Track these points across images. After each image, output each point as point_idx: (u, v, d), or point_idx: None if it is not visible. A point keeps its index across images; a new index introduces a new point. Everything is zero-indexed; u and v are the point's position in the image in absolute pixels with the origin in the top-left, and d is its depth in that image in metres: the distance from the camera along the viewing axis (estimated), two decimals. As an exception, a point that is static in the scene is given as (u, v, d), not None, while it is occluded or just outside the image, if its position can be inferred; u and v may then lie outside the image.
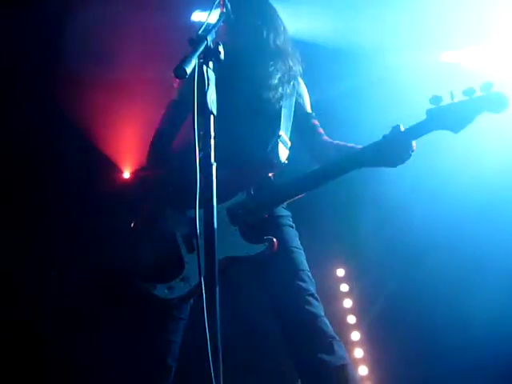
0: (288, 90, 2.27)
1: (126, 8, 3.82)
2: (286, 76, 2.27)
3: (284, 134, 2.23)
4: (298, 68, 2.35)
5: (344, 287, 4.08)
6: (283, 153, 2.21)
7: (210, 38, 1.50)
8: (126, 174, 4.83)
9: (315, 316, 1.98)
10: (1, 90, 3.84)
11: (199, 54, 1.43)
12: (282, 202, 2.13)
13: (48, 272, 3.93)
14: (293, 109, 2.29)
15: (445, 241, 3.78)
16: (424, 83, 3.34)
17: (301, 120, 2.32)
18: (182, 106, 2.29)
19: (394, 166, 1.99)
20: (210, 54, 1.49)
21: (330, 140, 2.28)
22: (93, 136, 4.42)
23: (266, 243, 1.99)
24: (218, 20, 1.77)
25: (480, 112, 1.86)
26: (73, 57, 3.89)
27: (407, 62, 3.75)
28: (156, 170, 2.23)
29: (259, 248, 2.00)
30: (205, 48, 1.47)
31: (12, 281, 3.76)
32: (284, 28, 2.35)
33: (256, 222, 2.05)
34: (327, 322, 2.01)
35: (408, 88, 3.53)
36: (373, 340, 3.87)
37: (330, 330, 2.00)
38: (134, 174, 4.72)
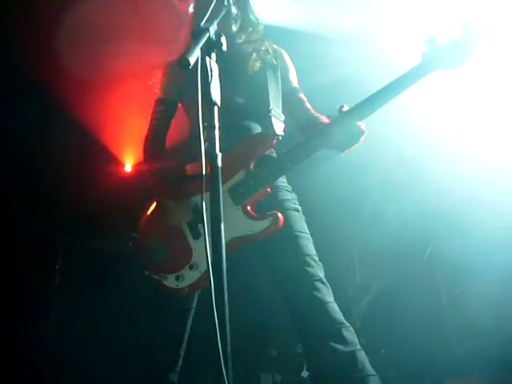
0: (266, 59, 2.27)
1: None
2: (262, 49, 2.29)
3: (275, 107, 2.22)
4: (273, 46, 2.35)
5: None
6: (278, 126, 2.20)
7: (212, 30, 1.52)
8: (128, 168, 4.89)
9: (323, 302, 1.95)
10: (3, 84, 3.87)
11: (202, 46, 1.46)
12: (281, 174, 2.08)
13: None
14: (279, 82, 2.29)
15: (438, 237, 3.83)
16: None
17: (287, 94, 2.30)
18: (169, 103, 2.33)
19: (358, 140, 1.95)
20: (212, 46, 1.51)
21: (318, 115, 2.24)
22: (94, 130, 4.45)
23: (270, 218, 1.96)
24: (220, 12, 1.80)
25: (478, 43, 1.81)
26: (74, 51, 3.90)
27: (399, 49, 3.75)
28: (154, 164, 2.21)
29: (264, 224, 1.96)
30: (207, 40, 1.49)
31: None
32: (262, 31, 2.40)
33: (258, 198, 2.02)
34: (336, 307, 1.97)
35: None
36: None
37: (340, 315, 1.95)
38: (136, 167, 4.78)
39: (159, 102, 2.35)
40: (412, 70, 1.89)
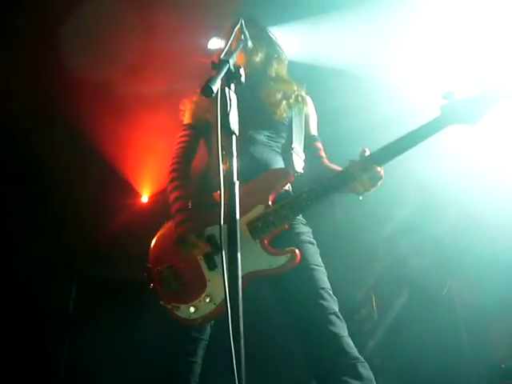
0: (295, 105, 2.34)
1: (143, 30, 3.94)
2: (288, 94, 2.36)
3: (297, 145, 2.29)
4: (301, 90, 2.43)
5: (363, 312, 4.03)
6: (298, 164, 2.26)
7: (231, 62, 1.57)
8: (145, 198, 4.92)
9: (338, 336, 1.93)
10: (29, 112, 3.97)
11: (222, 77, 1.50)
12: (300, 212, 2.10)
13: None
14: (303, 124, 2.36)
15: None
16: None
17: (304, 140, 2.36)
18: (196, 129, 2.38)
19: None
20: (231, 77, 1.55)
21: (328, 164, 2.30)
22: (113, 159, 4.53)
23: (288, 255, 1.98)
24: (238, 46, 1.87)
25: (495, 102, 1.87)
26: (101, 81, 4.01)
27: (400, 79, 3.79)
28: (178, 192, 2.21)
29: (282, 260, 1.97)
30: (227, 71, 1.54)
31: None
32: (286, 59, 2.48)
33: (276, 234, 2.04)
34: (351, 342, 1.95)
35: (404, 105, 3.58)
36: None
37: (354, 350, 1.93)
38: (152, 198, 4.81)
39: (187, 126, 2.40)
40: (431, 122, 1.95)
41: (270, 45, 2.43)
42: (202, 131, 2.39)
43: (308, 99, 2.46)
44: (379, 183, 2.00)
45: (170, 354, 2.12)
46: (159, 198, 4.63)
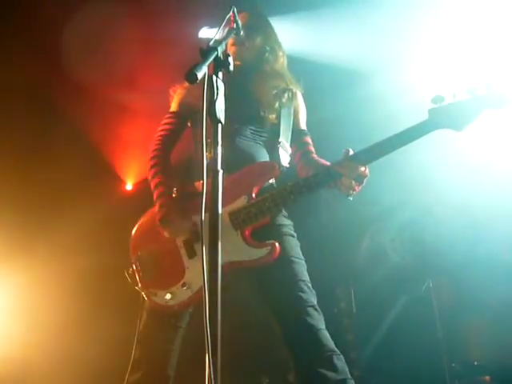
0: (285, 102, 2.32)
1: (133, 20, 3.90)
2: (282, 92, 2.33)
3: (284, 140, 2.28)
4: (295, 86, 2.40)
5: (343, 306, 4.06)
6: (284, 158, 2.25)
7: (220, 50, 1.54)
8: (129, 186, 4.88)
9: (315, 328, 1.95)
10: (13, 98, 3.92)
11: (209, 64, 1.47)
12: (283, 206, 2.10)
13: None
14: (292, 119, 2.35)
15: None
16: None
17: (293, 135, 2.35)
18: (181, 117, 2.35)
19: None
20: (219, 65, 1.53)
21: (317, 158, 2.29)
22: (98, 146, 4.48)
23: (268, 248, 1.98)
24: (228, 34, 1.84)
25: (483, 109, 1.89)
26: (84, 68, 3.96)
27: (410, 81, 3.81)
28: (158, 178, 2.20)
29: (261, 252, 1.98)
30: (215, 58, 1.52)
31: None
32: (283, 53, 2.45)
33: (257, 226, 2.04)
34: (327, 335, 1.97)
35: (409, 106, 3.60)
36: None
37: (331, 343, 1.95)
38: (137, 185, 4.78)
39: (172, 114, 2.37)
40: (418, 126, 1.96)
41: (267, 36, 2.38)
42: (188, 119, 2.36)
43: (298, 94, 2.43)
44: (365, 181, 2.01)
45: (148, 341, 2.10)
46: (144, 185, 4.59)
